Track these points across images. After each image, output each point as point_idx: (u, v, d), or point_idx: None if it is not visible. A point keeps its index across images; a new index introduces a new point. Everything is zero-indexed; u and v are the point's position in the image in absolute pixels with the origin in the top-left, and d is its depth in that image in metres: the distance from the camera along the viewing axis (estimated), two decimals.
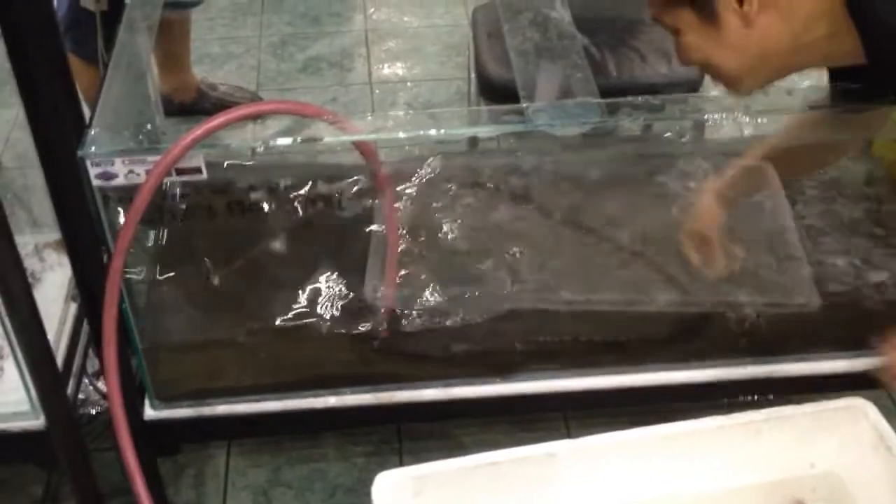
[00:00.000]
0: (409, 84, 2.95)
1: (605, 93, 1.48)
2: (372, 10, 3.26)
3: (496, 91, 1.99)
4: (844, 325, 1.74)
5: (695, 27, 1.14)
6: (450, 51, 3.05)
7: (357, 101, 2.87)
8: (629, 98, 1.36)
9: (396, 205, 1.69)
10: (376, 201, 1.83)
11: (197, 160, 1.34)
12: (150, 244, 1.75)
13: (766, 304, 1.72)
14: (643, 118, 1.33)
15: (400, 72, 3.02)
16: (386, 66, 3.04)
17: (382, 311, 1.69)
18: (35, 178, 1.35)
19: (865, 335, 1.74)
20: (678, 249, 1.73)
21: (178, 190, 1.75)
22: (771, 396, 1.72)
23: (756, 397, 1.74)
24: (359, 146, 1.47)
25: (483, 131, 1.77)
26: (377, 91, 2.93)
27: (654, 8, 1.18)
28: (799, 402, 1.40)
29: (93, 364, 1.75)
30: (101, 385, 1.71)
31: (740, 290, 1.72)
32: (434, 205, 1.82)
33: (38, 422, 1.60)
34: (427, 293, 1.72)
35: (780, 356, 1.75)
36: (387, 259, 1.71)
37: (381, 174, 1.57)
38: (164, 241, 1.77)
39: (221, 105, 2.75)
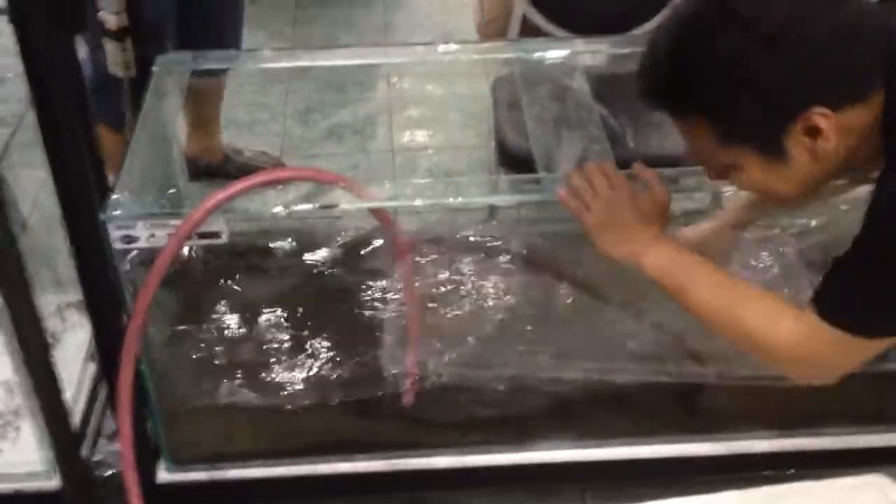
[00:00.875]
0: (430, 151, 2.98)
1: (622, 164, 1.49)
2: (395, 78, 3.31)
3: (516, 161, 2.01)
4: (862, 399, 1.72)
5: (757, 163, 1.13)
6: (471, 119, 3.08)
7: (379, 167, 2.89)
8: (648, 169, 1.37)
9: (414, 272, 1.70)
10: (394, 267, 1.85)
11: (218, 224, 1.36)
12: (170, 306, 1.76)
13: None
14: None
15: (421, 139, 3.05)
16: (408, 133, 3.08)
17: (400, 378, 1.69)
18: (59, 240, 1.37)
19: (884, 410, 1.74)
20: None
21: (199, 253, 1.78)
22: (791, 471, 1.70)
23: (775, 471, 1.73)
24: (376, 213, 1.48)
25: (498, 200, 1.78)
26: (399, 158, 2.96)
27: (705, 153, 1.18)
28: (818, 477, 1.38)
29: (110, 425, 1.76)
30: (116, 446, 1.71)
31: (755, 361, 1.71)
32: (451, 273, 1.82)
33: (52, 483, 1.61)
34: (445, 361, 1.71)
35: (801, 429, 1.73)
36: (407, 326, 1.71)
37: (399, 241, 1.58)
38: (183, 304, 1.78)
39: (246, 169, 2.77)
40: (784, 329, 1.18)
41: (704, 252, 1.37)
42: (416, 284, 1.67)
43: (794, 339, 1.18)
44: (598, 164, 1.34)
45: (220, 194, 1.30)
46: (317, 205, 1.39)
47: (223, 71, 2.64)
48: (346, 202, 1.41)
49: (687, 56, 1.10)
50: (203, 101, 2.69)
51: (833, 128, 1.06)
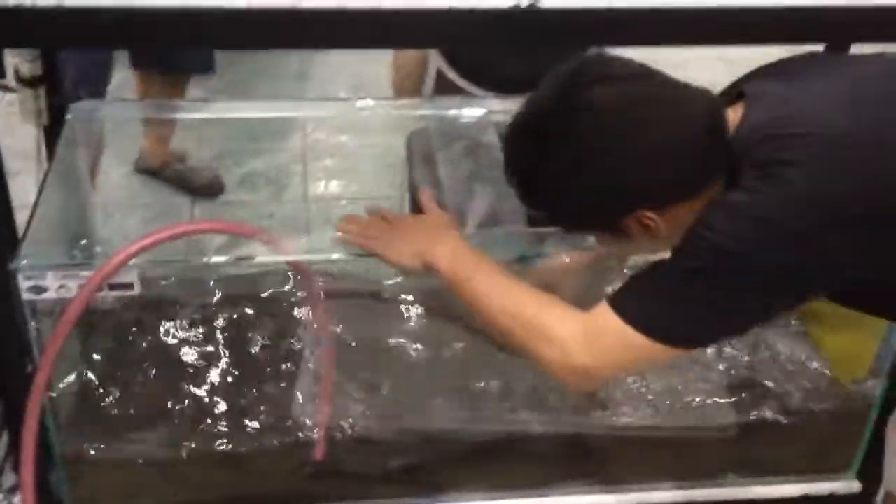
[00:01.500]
0: (343, 202, 3.00)
1: (535, 222, 1.54)
2: (310, 128, 3.33)
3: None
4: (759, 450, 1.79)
5: (606, 240, 1.32)
6: (386, 171, 3.10)
7: (293, 216, 2.90)
8: (555, 229, 1.41)
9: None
10: (309, 317, 1.85)
11: (130, 276, 1.35)
12: (75, 355, 1.73)
13: (685, 426, 1.76)
14: (568, 248, 1.39)
15: (336, 190, 3.07)
16: (322, 183, 3.10)
17: (311, 430, 1.69)
18: None
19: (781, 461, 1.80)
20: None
21: (109, 302, 1.76)
22: None
23: None
24: (294, 266, 1.49)
25: None
26: (313, 208, 2.96)
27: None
28: None
29: (11, 478, 1.70)
30: (17, 501, 1.66)
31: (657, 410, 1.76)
32: (365, 326, 1.84)
33: None
34: (360, 411, 1.72)
35: (701, 480, 1.78)
36: (319, 378, 1.71)
37: (315, 293, 1.59)
38: (90, 354, 1.75)
39: (181, 179, 3.03)
40: (568, 319, 1.22)
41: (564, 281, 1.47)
42: (330, 337, 1.67)
43: (578, 330, 1.21)
44: (374, 212, 1.42)
45: (133, 247, 1.29)
46: (234, 257, 1.39)
47: (200, 71, 2.94)
48: (262, 254, 1.41)
49: (530, 157, 1.20)
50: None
51: (661, 221, 1.18)
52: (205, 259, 1.40)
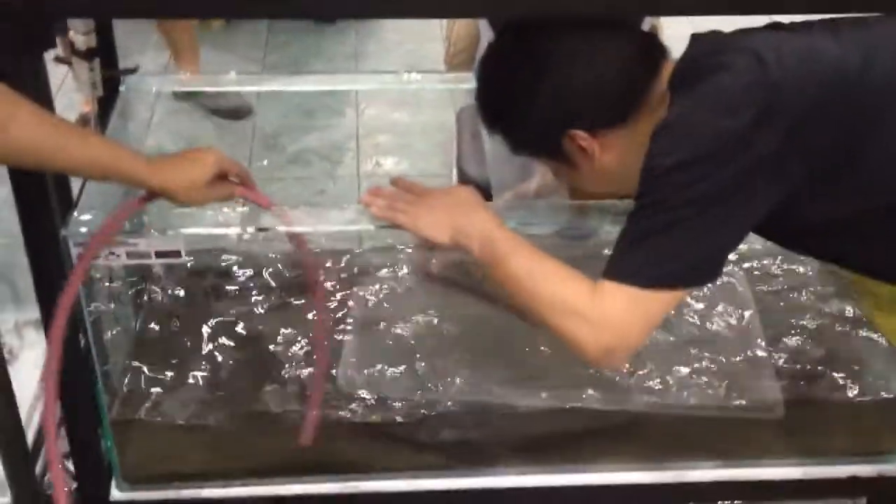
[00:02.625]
0: None
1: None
2: (364, 105, 3.35)
3: (477, 189, 2.03)
4: (807, 430, 1.76)
5: (555, 167, 1.38)
6: (436, 148, 3.13)
7: (344, 193, 2.92)
8: (597, 202, 1.40)
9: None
10: (355, 289, 1.87)
11: (177, 243, 1.37)
12: (128, 323, 1.77)
13: (731, 406, 1.74)
14: (611, 220, 1.38)
15: (388, 166, 3.09)
16: (374, 160, 3.11)
17: (357, 399, 1.70)
18: (21, 257, 1.38)
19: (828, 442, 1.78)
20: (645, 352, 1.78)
21: (157, 272, 1.79)
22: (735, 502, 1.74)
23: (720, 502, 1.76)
24: (295, 240, 1.47)
25: None
26: (364, 184, 2.99)
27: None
28: None
29: (64, 444, 1.75)
30: (70, 465, 1.71)
31: (702, 390, 1.74)
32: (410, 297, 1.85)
33: (3, 500, 1.59)
34: (400, 380, 1.73)
35: (746, 460, 1.77)
36: (366, 348, 1.73)
37: (311, 266, 1.57)
38: (140, 324, 1.79)
39: (214, 104, 3.18)
40: (584, 294, 1.23)
41: None
42: (326, 318, 1.66)
43: (592, 304, 1.22)
44: (399, 183, 1.42)
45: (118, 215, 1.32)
46: (253, 228, 1.41)
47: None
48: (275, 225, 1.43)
49: (488, 87, 1.32)
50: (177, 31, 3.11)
51: (597, 146, 1.26)
52: (233, 231, 1.41)
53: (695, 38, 1.28)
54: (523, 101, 1.27)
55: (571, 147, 1.28)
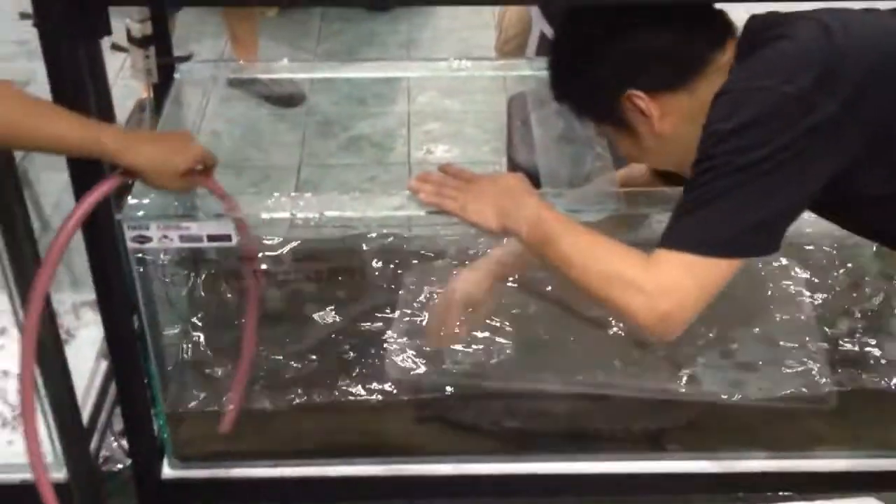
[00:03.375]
0: None
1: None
2: (415, 93, 3.36)
3: (527, 177, 2.03)
4: (860, 421, 1.74)
5: (618, 136, 1.36)
6: (488, 135, 3.13)
7: (394, 180, 2.94)
8: (649, 188, 1.40)
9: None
10: (404, 277, 1.89)
11: (227, 227, 1.40)
12: (180, 307, 1.80)
13: (782, 397, 1.72)
14: (659, 208, 1.37)
15: (438, 154, 3.09)
16: (425, 147, 3.12)
17: (405, 386, 1.72)
18: (77, 239, 1.41)
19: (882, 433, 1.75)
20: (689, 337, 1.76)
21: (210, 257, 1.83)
22: (786, 493, 1.72)
23: (771, 493, 1.75)
24: (237, 225, 1.44)
25: None
26: (415, 172, 2.99)
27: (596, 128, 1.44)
28: (813, 499, 1.41)
29: (120, 421, 1.80)
30: (124, 442, 1.76)
31: (754, 380, 1.73)
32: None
33: (60, 475, 1.64)
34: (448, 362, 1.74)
35: (797, 451, 1.75)
36: (414, 334, 1.74)
37: (249, 250, 1.56)
38: (192, 306, 1.82)
39: (268, 91, 3.21)
40: (638, 266, 1.22)
41: None
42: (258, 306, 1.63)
43: (647, 273, 1.21)
44: (447, 169, 1.43)
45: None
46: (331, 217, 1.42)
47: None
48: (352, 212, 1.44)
49: (559, 47, 1.36)
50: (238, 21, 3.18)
51: (655, 107, 1.27)
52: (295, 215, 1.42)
53: (753, 16, 1.29)
54: (587, 58, 1.29)
55: (631, 109, 1.28)
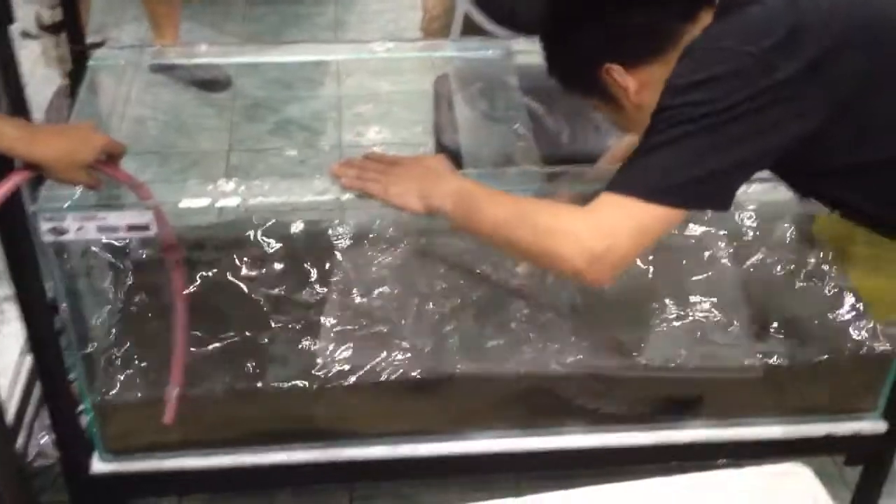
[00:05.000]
0: (376, 148, 3.00)
1: (554, 161, 1.52)
2: (344, 75, 3.34)
3: (451, 157, 2.01)
4: (784, 390, 1.78)
5: (604, 108, 1.39)
6: (417, 116, 3.11)
7: (326, 163, 2.90)
8: (569, 167, 1.40)
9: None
10: (338, 260, 1.88)
11: (145, 217, 1.37)
12: (105, 298, 1.77)
13: (713, 367, 1.75)
14: (580, 186, 1.38)
15: (370, 136, 3.07)
16: (356, 130, 3.10)
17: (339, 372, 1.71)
18: None
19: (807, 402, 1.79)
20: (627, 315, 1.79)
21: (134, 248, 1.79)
22: (723, 461, 1.76)
23: (706, 461, 1.77)
24: (155, 215, 1.41)
25: None
26: (346, 154, 2.97)
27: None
28: (744, 466, 1.43)
29: (46, 417, 1.76)
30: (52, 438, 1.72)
31: (689, 353, 1.76)
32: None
33: None
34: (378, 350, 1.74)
35: (728, 420, 1.78)
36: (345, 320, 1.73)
37: (169, 242, 1.54)
38: (118, 297, 1.79)
39: (192, 76, 3.17)
40: (572, 213, 1.23)
41: None
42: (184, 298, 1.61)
43: (582, 218, 1.21)
44: (369, 154, 1.44)
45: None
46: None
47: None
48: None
49: (544, 33, 1.39)
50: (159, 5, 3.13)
51: (632, 80, 1.29)
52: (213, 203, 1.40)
53: None
54: (567, 33, 1.33)
55: (611, 83, 1.31)
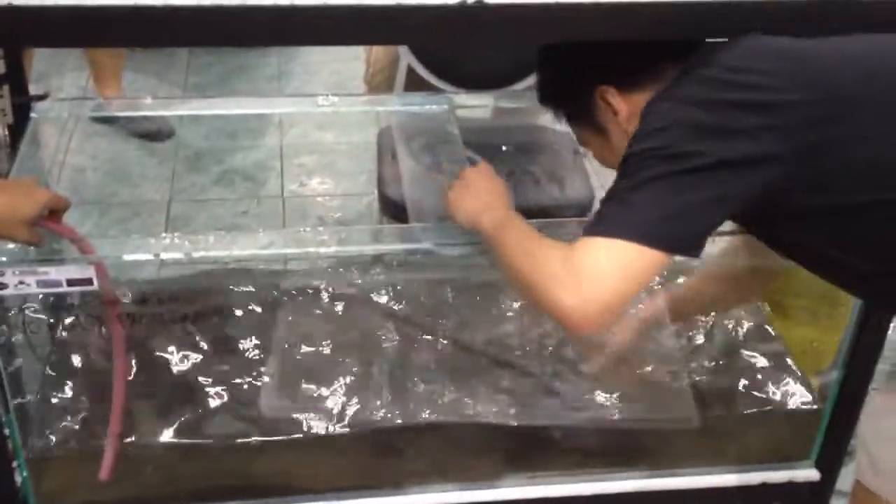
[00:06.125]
0: (319, 199, 3.02)
1: None
2: (288, 126, 3.35)
3: (395, 209, 2.05)
4: (720, 440, 1.81)
5: (594, 140, 1.44)
6: (361, 167, 3.13)
7: (269, 214, 2.92)
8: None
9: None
10: (281, 312, 1.87)
11: (87, 271, 1.37)
12: (41, 352, 1.74)
13: (650, 419, 1.77)
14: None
15: (312, 186, 3.09)
16: (299, 180, 3.11)
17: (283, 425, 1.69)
18: None
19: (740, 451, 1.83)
20: (567, 367, 1.81)
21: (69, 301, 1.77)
22: None
23: None
24: (96, 269, 1.39)
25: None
26: (289, 205, 2.98)
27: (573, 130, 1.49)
28: None
29: None
30: None
31: (625, 404, 1.78)
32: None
33: None
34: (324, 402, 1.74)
35: (665, 469, 1.81)
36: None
37: (109, 295, 1.52)
38: (54, 352, 1.76)
39: (134, 126, 3.19)
40: (560, 256, 1.22)
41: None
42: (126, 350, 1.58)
43: (565, 262, 1.20)
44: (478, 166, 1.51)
45: None
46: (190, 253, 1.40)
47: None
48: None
49: (545, 56, 1.44)
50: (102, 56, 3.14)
51: (625, 105, 1.33)
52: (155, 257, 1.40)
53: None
54: (566, 53, 1.37)
55: (602, 108, 1.36)
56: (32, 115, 1.69)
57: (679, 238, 1.21)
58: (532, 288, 1.24)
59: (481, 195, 1.42)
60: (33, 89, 1.76)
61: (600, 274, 1.18)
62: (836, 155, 1.23)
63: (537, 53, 1.44)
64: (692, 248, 1.22)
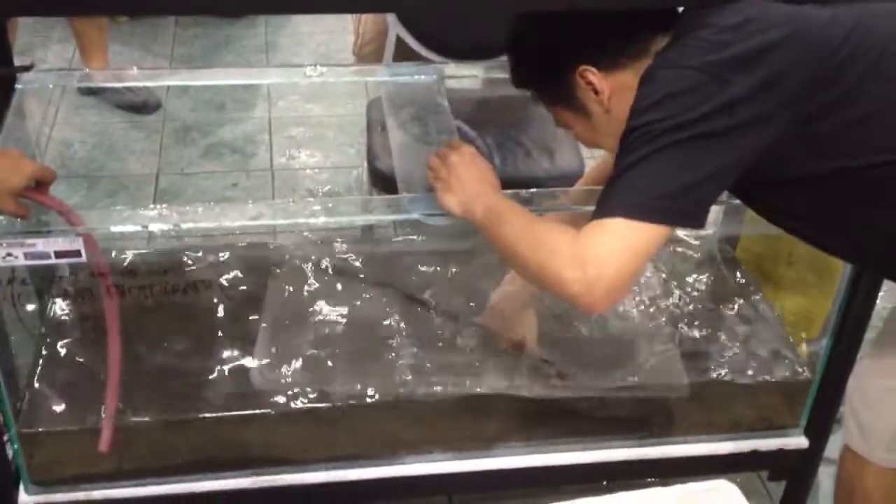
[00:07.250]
0: (308, 171, 3.00)
1: None
2: (276, 98, 3.33)
3: (385, 181, 2.05)
4: (711, 409, 1.82)
5: (573, 119, 1.42)
6: (350, 139, 3.13)
7: (257, 187, 2.91)
8: (506, 191, 1.42)
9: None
10: (272, 284, 1.87)
11: (76, 244, 1.36)
12: (31, 325, 1.74)
13: (639, 386, 1.78)
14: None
15: (302, 159, 3.07)
16: (287, 152, 3.10)
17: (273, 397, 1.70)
18: None
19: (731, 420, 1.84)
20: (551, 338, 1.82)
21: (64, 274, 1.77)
22: (652, 479, 1.78)
23: (636, 479, 1.80)
24: (85, 241, 1.39)
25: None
26: (278, 177, 2.97)
27: (552, 114, 1.47)
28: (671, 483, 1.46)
29: None
30: None
31: (615, 374, 1.79)
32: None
33: None
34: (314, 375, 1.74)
35: (655, 438, 1.82)
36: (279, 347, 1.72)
37: (100, 268, 1.50)
38: (45, 325, 1.76)
39: (121, 99, 3.17)
40: (569, 236, 1.25)
41: None
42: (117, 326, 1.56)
43: (576, 242, 1.23)
44: (451, 144, 1.47)
45: None
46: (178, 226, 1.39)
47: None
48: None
49: (520, 34, 1.42)
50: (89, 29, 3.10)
51: (606, 84, 1.32)
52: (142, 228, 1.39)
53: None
54: (540, 31, 1.35)
55: (582, 87, 1.34)
56: (17, 86, 1.67)
57: (680, 211, 1.23)
58: (540, 273, 1.27)
59: (469, 183, 1.39)
60: (18, 62, 1.74)
61: (605, 254, 1.21)
62: (831, 119, 1.23)
63: (510, 35, 1.42)
64: (694, 219, 1.24)
